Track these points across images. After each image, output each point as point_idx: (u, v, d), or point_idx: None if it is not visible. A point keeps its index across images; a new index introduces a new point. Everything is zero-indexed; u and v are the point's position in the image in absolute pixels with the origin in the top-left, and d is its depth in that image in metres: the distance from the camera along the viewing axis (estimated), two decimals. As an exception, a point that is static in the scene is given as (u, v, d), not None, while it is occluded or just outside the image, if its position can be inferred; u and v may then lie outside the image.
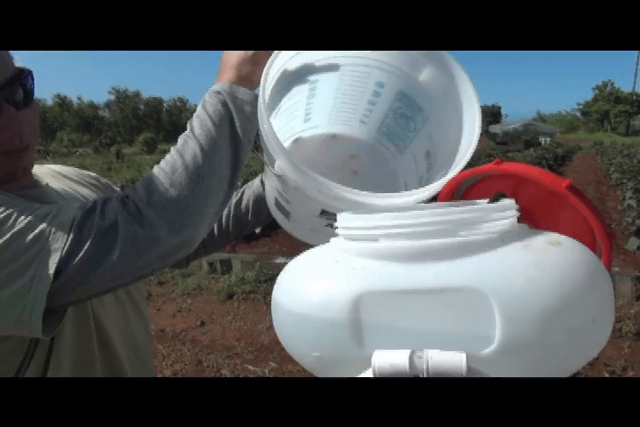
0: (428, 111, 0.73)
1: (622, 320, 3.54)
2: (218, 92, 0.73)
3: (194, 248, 0.70)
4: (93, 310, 0.83)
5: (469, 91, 0.66)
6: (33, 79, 0.77)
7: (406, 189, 0.81)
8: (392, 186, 0.83)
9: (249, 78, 0.74)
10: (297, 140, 0.81)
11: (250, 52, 0.74)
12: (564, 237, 0.56)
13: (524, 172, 0.62)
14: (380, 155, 0.84)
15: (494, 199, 0.59)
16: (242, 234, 1.06)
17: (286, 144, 0.80)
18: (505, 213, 0.54)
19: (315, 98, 0.78)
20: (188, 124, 0.73)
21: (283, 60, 0.71)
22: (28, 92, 0.75)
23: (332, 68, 0.75)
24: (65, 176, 0.95)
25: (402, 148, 0.81)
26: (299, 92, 0.77)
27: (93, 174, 1.04)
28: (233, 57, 0.75)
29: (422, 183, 0.76)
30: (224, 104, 0.72)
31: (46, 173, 0.91)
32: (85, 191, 0.94)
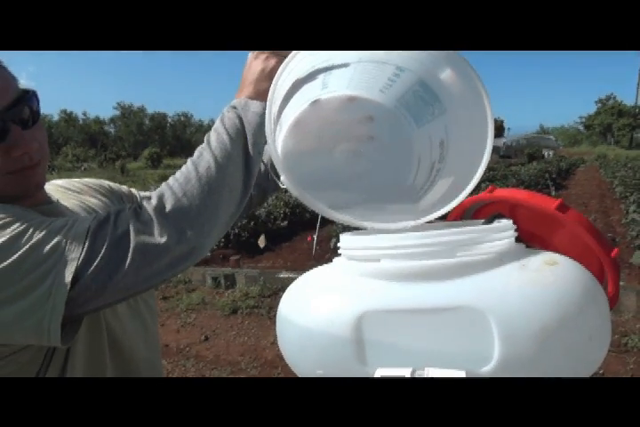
0: (446, 105, 0.73)
1: (628, 335, 3.51)
2: (234, 107, 0.76)
3: (202, 256, 0.72)
4: (106, 319, 0.85)
5: (485, 106, 0.67)
6: (38, 99, 0.80)
7: (419, 166, 0.81)
8: (407, 157, 0.83)
9: (266, 94, 0.74)
10: (315, 102, 0.80)
11: (267, 69, 0.77)
12: (560, 256, 0.57)
13: (515, 197, 0.64)
14: (398, 121, 0.83)
15: (489, 220, 0.61)
16: (265, 199, 1.09)
17: (303, 107, 0.80)
18: (502, 233, 0.56)
19: (331, 75, 0.78)
20: (205, 137, 0.76)
21: (293, 65, 0.71)
22: (34, 112, 0.78)
23: (348, 57, 0.76)
24: (70, 190, 0.97)
25: (419, 123, 0.81)
26: (314, 76, 0.78)
27: (96, 181, 1.06)
28: (251, 73, 0.78)
29: (433, 172, 0.77)
30: (240, 119, 0.75)
31: (53, 189, 0.94)
32: (93, 201, 0.97)
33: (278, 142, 0.74)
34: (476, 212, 0.74)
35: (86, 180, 1.05)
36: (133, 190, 1.11)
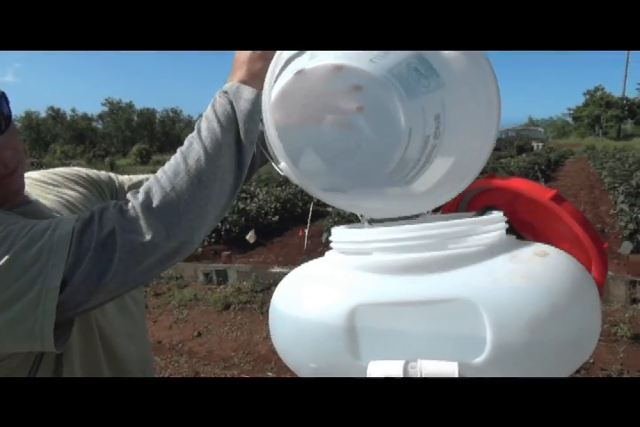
0: (445, 80, 0.70)
1: (617, 324, 3.55)
2: (225, 92, 0.72)
3: (191, 252, 0.70)
4: (95, 318, 0.84)
5: (491, 86, 0.65)
6: (7, 102, 0.75)
7: (410, 137, 0.78)
8: (396, 127, 0.80)
9: (260, 75, 0.69)
10: (300, 72, 0.75)
11: None
12: (550, 247, 0.58)
13: (513, 185, 0.64)
14: (388, 91, 0.78)
15: (481, 212, 0.61)
16: (252, 174, 1.02)
17: (288, 77, 0.76)
18: (493, 225, 0.56)
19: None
20: (195, 125, 0.72)
21: (288, 54, 0.69)
22: (5, 117, 0.74)
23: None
24: (47, 183, 0.94)
25: (411, 95, 0.77)
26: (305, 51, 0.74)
27: (73, 171, 1.01)
28: (243, 53, 0.73)
29: (427, 147, 0.75)
30: (231, 104, 0.71)
31: (30, 183, 0.90)
32: (71, 193, 0.94)
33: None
34: (473, 198, 0.73)
35: (62, 170, 1.00)
36: (112, 175, 1.07)
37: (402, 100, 0.79)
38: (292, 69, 0.75)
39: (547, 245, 0.58)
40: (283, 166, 0.63)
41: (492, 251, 0.55)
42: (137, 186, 1.05)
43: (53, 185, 0.94)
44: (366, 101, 0.79)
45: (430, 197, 0.68)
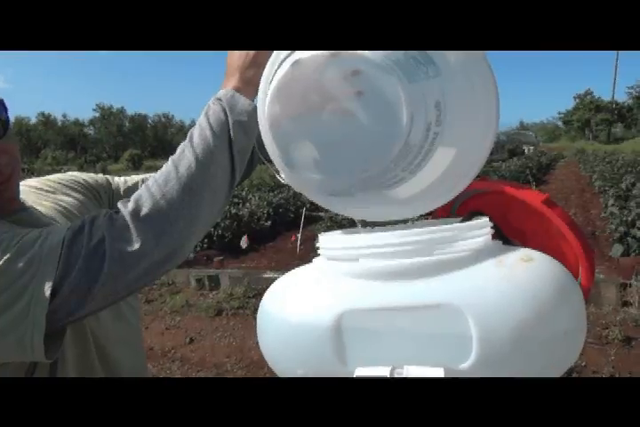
0: (442, 68, 0.69)
1: (608, 327, 3.57)
2: (219, 99, 0.72)
3: (182, 260, 0.70)
4: (90, 326, 0.83)
5: (488, 78, 0.65)
6: (6, 109, 0.75)
7: (413, 122, 0.78)
8: (397, 112, 0.75)
9: (254, 81, 0.69)
10: (295, 63, 0.73)
11: (252, 53, 0.72)
12: (536, 252, 0.58)
13: (505, 188, 0.65)
14: (387, 74, 0.75)
15: (467, 218, 0.61)
16: (250, 173, 1.01)
17: (285, 68, 0.73)
18: (479, 231, 0.57)
19: None
20: (189, 132, 0.71)
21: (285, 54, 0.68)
22: (3, 122, 0.74)
23: None
24: (44, 190, 0.94)
25: (411, 79, 0.75)
26: None
27: (70, 177, 1.01)
28: (235, 59, 0.73)
29: (430, 134, 0.72)
30: (225, 113, 0.70)
31: (26, 190, 0.90)
32: (67, 200, 0.93)
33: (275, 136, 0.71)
34: (464, 203, 0.73)
35: (59, 176, 1.01)
36: (109, 178, 1.07)
37: (402, 83, 0.78)
38: (288, 62, 0.73)
39: (532, 251, 0.58)
40: (284, 176, 0.62)
41: (477, 256, 0.55)
42: (132, 188, 1.05)
43: (49, 192, 0.94)
44: (366, 86, 0.78)
45: (432, 195, 0.67)
